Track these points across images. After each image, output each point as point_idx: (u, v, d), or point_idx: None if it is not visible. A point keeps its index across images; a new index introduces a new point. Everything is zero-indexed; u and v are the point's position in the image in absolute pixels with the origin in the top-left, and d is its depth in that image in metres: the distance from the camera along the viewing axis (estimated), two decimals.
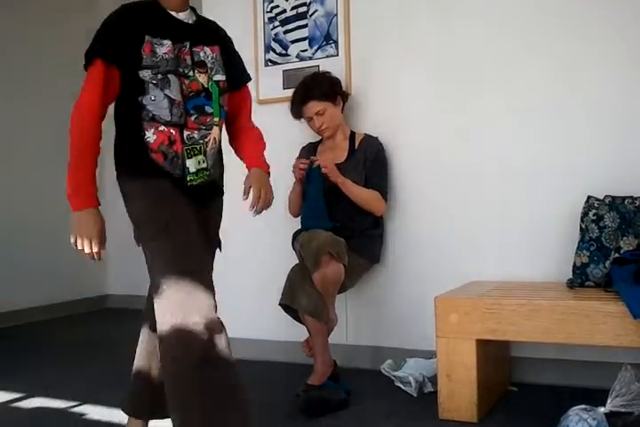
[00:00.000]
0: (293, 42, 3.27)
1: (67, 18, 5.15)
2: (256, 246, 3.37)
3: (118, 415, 2.46)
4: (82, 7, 5.22)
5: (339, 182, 2.75)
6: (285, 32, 3.29)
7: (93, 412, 2.53)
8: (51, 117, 4.99)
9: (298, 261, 2.72)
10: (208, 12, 3.47)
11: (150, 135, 1.82)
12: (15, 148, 4.77)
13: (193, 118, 1.87)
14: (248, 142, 2.11)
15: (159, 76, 1.81)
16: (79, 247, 1.79)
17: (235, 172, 2.18)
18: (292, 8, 3.27)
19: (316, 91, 2.85)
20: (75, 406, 2.63)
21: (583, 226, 2.48)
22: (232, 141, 2.16)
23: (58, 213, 5.03)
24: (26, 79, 4.83)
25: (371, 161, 2.88)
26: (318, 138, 3.05)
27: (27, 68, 4.85)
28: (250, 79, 2.17)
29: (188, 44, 1.88)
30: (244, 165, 2.07)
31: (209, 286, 1.75)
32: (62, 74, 4.78)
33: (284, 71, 3.28)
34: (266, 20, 3.33)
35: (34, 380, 3.06)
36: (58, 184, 5.00)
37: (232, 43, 2.10)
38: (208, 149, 1.92)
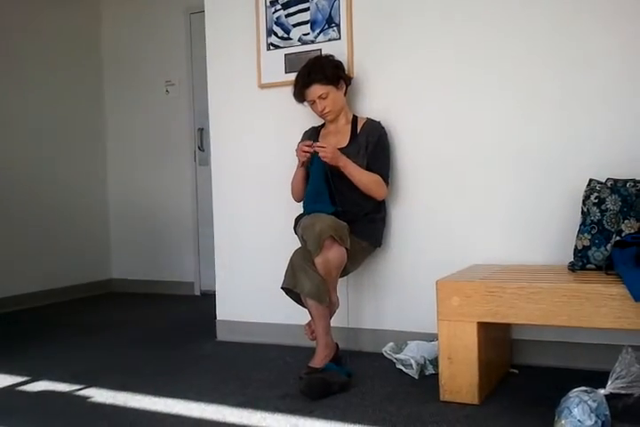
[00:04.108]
0: (295, 25, 3.25)
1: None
2: (259, 231, 3.38)
3: (123, 398, 2.49)
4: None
5: (340, 166, 2.75)
6: (287, 15, 3.26)
7: (98, 394, 2.55)
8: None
9: (300, 245, 2.73)
10: None
11: None
12: (20, 127, 4.77)
13: None
14: None
15: None
16: None
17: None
18: None
19: (318, 74, 2.83)
20: (79, 389, 2.64)
21: (585, 209, 2.48)
22: None
23: (62, 198, 5.07)
24: None
25: (373, 145, 2.87)
26: (321, 122, 3.05)
27: None
28: None
29: None
30: None
31: None
32: None
33: (285, 55, 3.26)
34: (267, 3, 3.31)
35: (38, 364, 3.08)
36: (62, 169, 5.05)
37: None
38: None
